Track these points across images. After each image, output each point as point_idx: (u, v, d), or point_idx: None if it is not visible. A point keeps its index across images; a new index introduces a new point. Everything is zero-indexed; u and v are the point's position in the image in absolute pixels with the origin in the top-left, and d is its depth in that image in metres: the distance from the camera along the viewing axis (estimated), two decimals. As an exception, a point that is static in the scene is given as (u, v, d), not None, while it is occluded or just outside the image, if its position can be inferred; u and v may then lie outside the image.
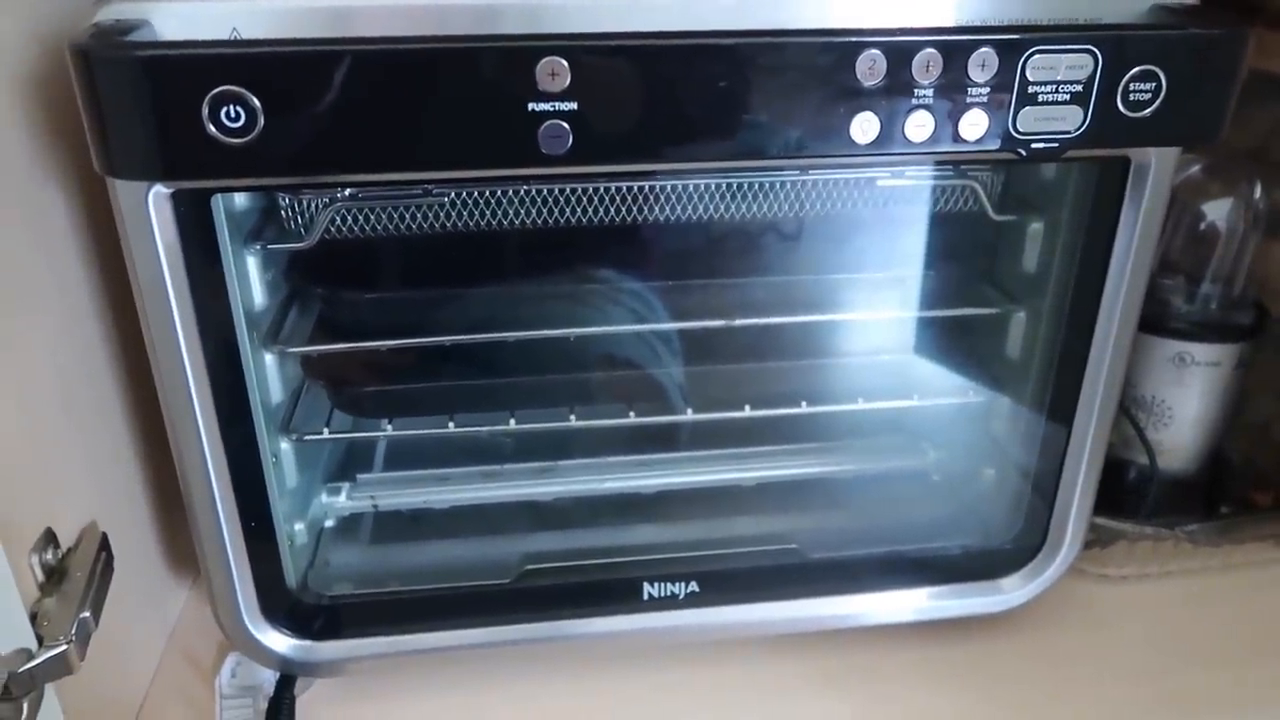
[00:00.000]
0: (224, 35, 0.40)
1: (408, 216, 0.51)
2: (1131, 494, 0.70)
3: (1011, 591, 0.60)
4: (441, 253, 0.53)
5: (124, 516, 0.56)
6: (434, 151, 0.38)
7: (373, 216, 0.51)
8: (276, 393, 0.54)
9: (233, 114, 0.36)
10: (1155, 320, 0.68)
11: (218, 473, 0.49)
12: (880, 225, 0.56)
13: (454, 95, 0.37)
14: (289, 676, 0.56)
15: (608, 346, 0.55)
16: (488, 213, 0.52)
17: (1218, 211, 0.67)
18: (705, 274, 0.57)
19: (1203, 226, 0.68)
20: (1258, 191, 0.66)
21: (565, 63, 0.37)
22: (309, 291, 0.54)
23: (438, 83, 0.37)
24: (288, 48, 0.36)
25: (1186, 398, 0.68)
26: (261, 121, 0.36)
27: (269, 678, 0.58)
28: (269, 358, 0.52)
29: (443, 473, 0.64)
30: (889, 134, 0.40)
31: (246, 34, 0.40)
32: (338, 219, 0.50)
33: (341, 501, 0.63)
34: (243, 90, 0.35)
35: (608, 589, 0.57)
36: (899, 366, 0.62)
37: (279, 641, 0.55)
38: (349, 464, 0.65)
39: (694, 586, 0.58)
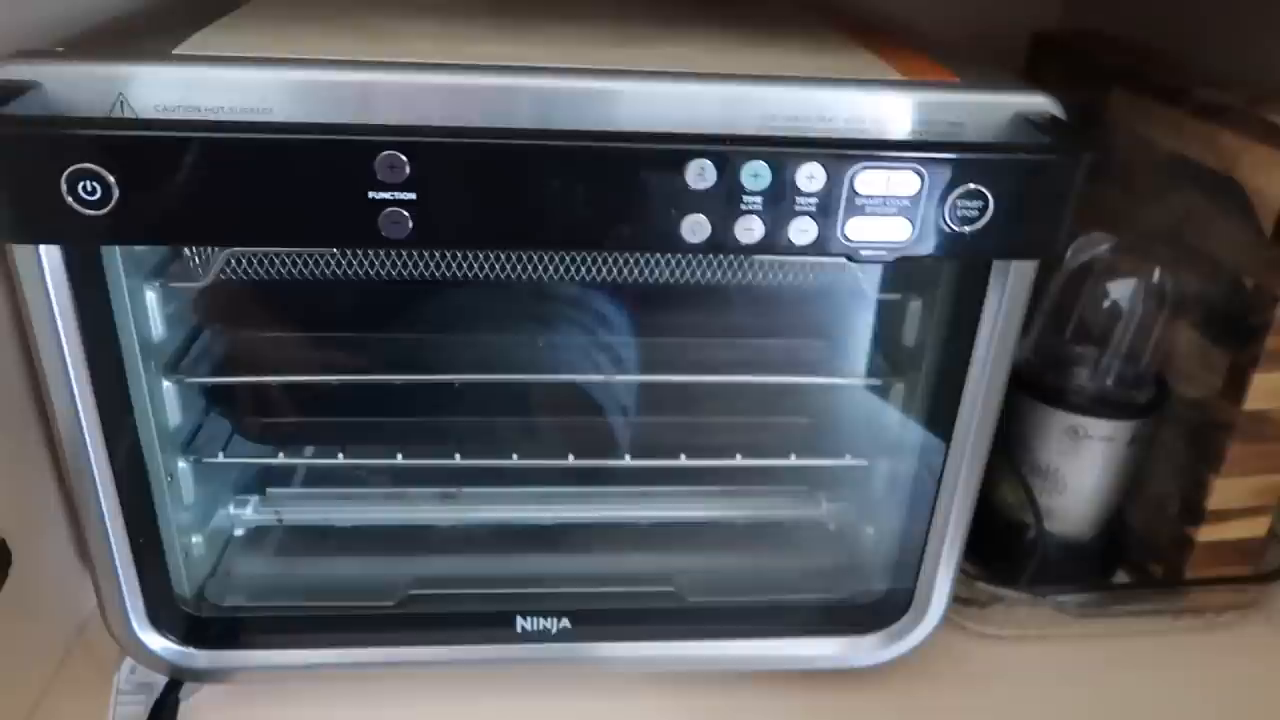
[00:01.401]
0: (109, 100, 0.43)
1: (300, 262, 0.53)
2: (1026, 555, 0.72)
3: (876, 650, 0.62)
4: (331, 297, 0.55)
5: (32, 515, 0.59)
6: (280, 229, 0.41)
7: (266, 261, 0.53)
8: (176, 417, 0.57)
9: (89, 188, 0.38)
10: (1055, 393, 0.70)
11: (105, 489, 0.52)
12: (764, 297, 0.58)
13: (298, 180, 0.39)
14: (176, 680, 0.60)
15: (493, 392, 0.58)
16: (376, 262, 0.54)
17: (1122, 291, 0.68)
18: (600, 331, 0.59)
19: (1107, 304, 0.69)
20: (1157, 275, 0.67)
21: (404, 156, 0.39)
22: (214, 326, 0.56)
23: (283, 168, 0.39)
24: (141, 131, 0.39)
25: (1080, 468, 0.70)
26: (116, 194, 0.39)
27: (164, 678, 0.61)
28: (168, 385, 0.55)
29: (348, 491, 0.67)
30: (720, 236, 0.42)
31: (134, 100, 0.43)
32: (234, 261, 0.53)
33: (248, 514, 0.66)
34: (98, 168, 0.38)
35: (483, 620, 0.60)
36: (790, 426, 0.64)
37: (164, 647, 0.58)
38: (265, 477, 0.68)
39: (566, 623, 0.60)
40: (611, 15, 0.58)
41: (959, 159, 0.42)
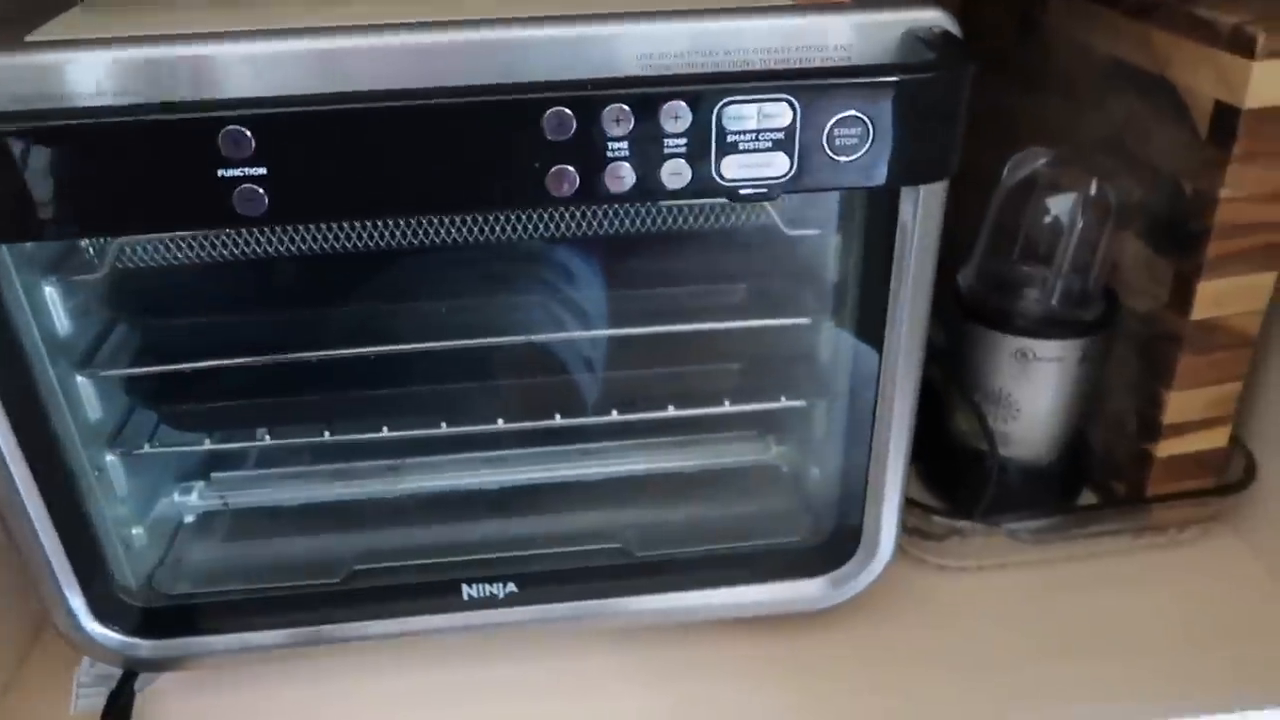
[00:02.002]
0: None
1: (197, 244, 0.52)
2: (984, 484, 0.71)
3: (829, 591, 0.62)
4: (236, 275, 0.54)
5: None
6: (136, 215, 0.39)
7: (162, 246, 0.52)
8: (96, 411, 0.56)
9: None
10: (1000, 316, 0.68)
11: (26, 491, 0.52)
12: (684, 242, 0.56)
13: (144, 164, 0.38)
14: (131, 671, 0.60)
15: (417, 360, 0.57)
16: (273, 237, 0.53)
17: (1063, 205, 0.66)
18: (515, 289, 0.58)
19: (1049, 220, 0.67)
20: (1096, 187, 0.65)
21: (247, 131, 0.38)
22: (127, 317, 0.56)
23: (126, 152, 0.38)
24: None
25: (1032, 392, 0.69)
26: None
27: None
28: (82, 380, 0.55)
29: (293, 470, 0.67)
30: (589, 186, 0.40)
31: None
32: (127, 249, 0.52)
33: (193, 500, 0.66)
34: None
35: (429, 590, 0.60)
36: (724, 373, 0.63)
37: (111, 640, 0.58)
38: (211, 463, 0.68)
39: (512, 587, 0.60)
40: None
41: (831, 84, 0.40)
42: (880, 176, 0.42)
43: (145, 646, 0.58)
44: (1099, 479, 0.75)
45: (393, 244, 0.55)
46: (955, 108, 0.41)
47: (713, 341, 0.61)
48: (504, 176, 0.40)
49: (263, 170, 0.38)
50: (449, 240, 0.55)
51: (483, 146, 0.39)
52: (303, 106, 0.38)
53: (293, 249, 0.55)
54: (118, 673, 0.62)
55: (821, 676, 0.62)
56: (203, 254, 0.53)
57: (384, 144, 0.39)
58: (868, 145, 0.41)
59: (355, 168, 0.39)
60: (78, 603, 0.57)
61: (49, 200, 0.39)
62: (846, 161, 0.41)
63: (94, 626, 0.58)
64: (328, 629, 0.60)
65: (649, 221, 0.58)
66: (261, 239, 0.53)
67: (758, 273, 0.59)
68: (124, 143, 0.38)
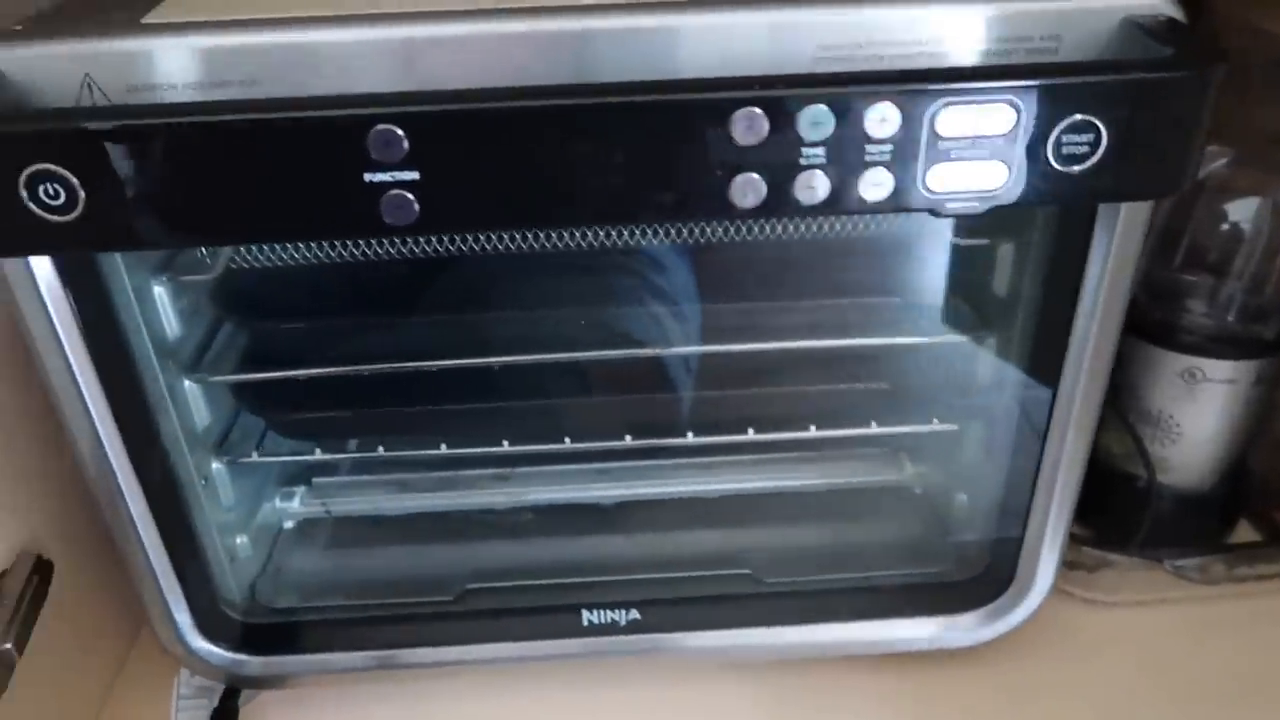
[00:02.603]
0: (76, 82, 0.38)
1: (316, 246, 0.49)
2: (1136, 508, 0.65)
3: (976, 628, 0.57)
4: (355, 278, 0.50)
5: (75, 527, 0.56)
6: (271, 223, 0.36)
7: (280, 246, 0.49)
8: (204, 417, 0.53)
9: (51, 191, 0.34)
10: (1165, 330, 0.62)
11: (134, 501, 0.49)
12: (835, 251, 0.51)
13: (283, 167, 0.34)
14: (234, 687, 0.57)
15: (541, 371, 0.53)
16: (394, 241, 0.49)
17: (1243, 211, 0.60)
18: (656, 299, 0.53)
19: (1225, 227, 0.61)
20: (1284, 193, 0.58)
21: (400, 131, 0.33)
22: (234, 319, 0.52)
23: (264, 155, 0.34)
24: (99, 121, 0.34)
25: (1197, 414, 0.63)
26: (83, 197, 0.34)
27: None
28: (190, 385, 0.51)
29: (398, 478, 0.64)
30: (777, 198, 0.35)
31: (101, 81, 0.38)
32: (243, 249, 0.48)
33: (295, 507, 0.63)
34: (58, 168, 0.33)
35: (546, 613, 0.56)
36: (867, 391, 0.58)
37: (216, 655, 0.55)
38: (312, 467, 0.65)
39: (635, 614, 0.56)
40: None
41: (1063, 84, 0.34)
42: (1108, 190, 0.37)
43: (252, 663, 0.56)
44: (1258, 508, 0.68)
45: (513, 248, 0.51)
46: (1200, 111, 0.36)
47: (859, 357, 0.56)
48: (683, 185, 0.35)
49: (415, 175, 0.34)
50: (577, 246, 0.50)
51: (663, 151, 0.34)
52: (464, 104, 0.34)
53: (409, 252, 0.50)
54: (215, 685, 0.60)
55: (968, 713, 0.57)
56: (323, 254, 0.49)
57: (554, 148, 0.34)
58: (1098, 154, 0.35)
59: (518, 173, 0.35)
60: (183, 617, 0.54)
61: (177, 207, 0.35)
62: (1072, 172, 0.36)
63: (199, 642, 0.55)
64: (441, 650, 0.57)
65: (798, 228, 0.53)
66: (383, 242, 0.49)
67: (914, 285, 0.54)
68: (261, 142, 0.34)
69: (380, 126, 0.33)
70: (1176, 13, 0.39)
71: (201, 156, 0.34)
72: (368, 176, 0.34)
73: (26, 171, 0.33)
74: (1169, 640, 0.61)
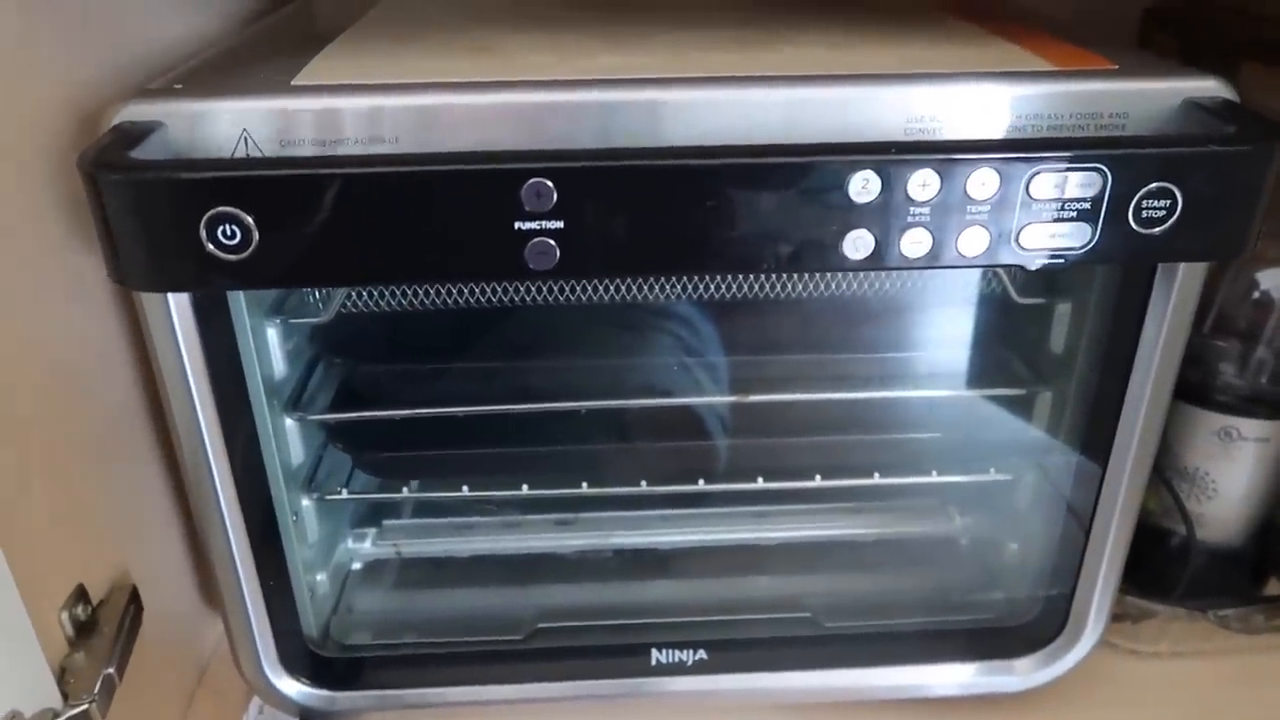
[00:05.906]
0: (232, 137, 0.41)
1: (422, 293, 0.52)
2: (1172, 563, 0.68)
3: (1027, 674, 0.59)
4: (456, 327, 0.53)
5: (158, 560, 0.58)
6: (422, 265, 0.39)
7: (388, 293, 0.52)
8: (298, 454, 0.56)
9: (229, 232, 0.37)
10: (1200, 391, 0.65)
11: (235, 533, 0.51)
12: (902, 305, 0.55)
13: (442, 214, 0.38)
14: (307, 721, 0.59)
15: (622, 418, 0.56)
16: (500, 289, 0.52)
17: (1273, 280, 0.64)
18: (723, 350, 0.56)
19: (1257, 294, 0.65)
20: (1316, 264, 0.62)
21: (550, 184, 0.37)
22: (330, 360, 0.55)
23: (425, 203, 0.37)
24: (280, 170, 0.37)
25: (1232, 472, 0.66)
26: (256, 238, 0.37)
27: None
28: (289, 423, 0.54)
29: (465, 521, 0.66)
30: (884, 251, 0.39)
31: (256, 135, 0.41)
32: (354, 294, 0.51)
33: (367, 548, 0.65)
34: (237, 210, 0.36)
35: (616, 652, 0.58)
36: (923, 441, 0.61)
37: (296, 690, 0.57)
38: (380, 509, 0.67)
39: (702, 654, 0.58)
40: (714, 18, 0.55)
41: (1145, 154, 0.38)
42: (1180, 250, 0.40)
43: (328, 697, 0.57)
44: (1287, 565, 0.71)
45: (595, 299, 0.54)
46: (1263, 180, 0.40)
47: (918, 408, 0.59)
48: (803, 239, 0.38)
49: (559, 224, 0.37)
50: (650, 298, 0.54)
51: (785, 208, 0.38)
52: (609, 161, 0.37)
53: (509, 300, 0.54)
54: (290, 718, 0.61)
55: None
56: (424, 302, 0.52)
57: (687, 202, 0.38)
58: (1174, 218, 0.39)
59: (651, 224, 0.38)
60: (267, 648, 0.55)
61: (343, 247, 0.38)
62: (1150, 234, 0.39)
63: (280, 677, 0.56)
64: (512, 688, 0.58)
65: (862, 282, 0.56)
66: (487, 290, 0.52)
67: (972, 338, 0.57)
68: (424, 191, 0.37)
69: (534, 180, 0.36)
70: (1232, 95, 0.44)
71: (368, 203, 0.37)
72: (518, 224, 0.37)
73: (209, 214, 0.36)
74: (1212, 690, 0.63)
